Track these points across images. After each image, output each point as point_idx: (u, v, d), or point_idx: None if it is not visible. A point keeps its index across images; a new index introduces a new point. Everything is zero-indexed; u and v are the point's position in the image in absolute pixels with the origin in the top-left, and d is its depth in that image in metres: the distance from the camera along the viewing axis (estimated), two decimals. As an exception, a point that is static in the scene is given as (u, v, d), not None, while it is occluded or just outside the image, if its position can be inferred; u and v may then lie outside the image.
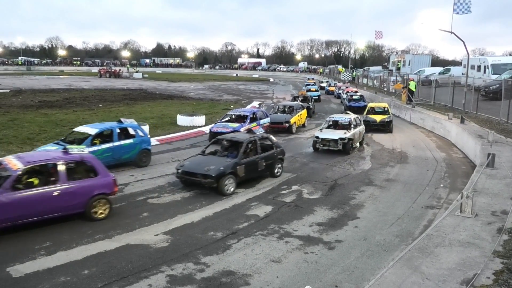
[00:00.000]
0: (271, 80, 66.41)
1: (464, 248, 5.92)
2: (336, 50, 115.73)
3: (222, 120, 18.15)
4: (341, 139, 14.91)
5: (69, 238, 7.55)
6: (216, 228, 8.20)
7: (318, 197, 10.33)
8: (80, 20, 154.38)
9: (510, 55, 58.79)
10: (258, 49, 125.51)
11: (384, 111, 20.74)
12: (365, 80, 48.62)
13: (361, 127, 16.59)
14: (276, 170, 11.90)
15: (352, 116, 16.70)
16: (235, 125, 16.88)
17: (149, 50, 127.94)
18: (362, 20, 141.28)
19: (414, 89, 26.78)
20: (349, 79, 54.66)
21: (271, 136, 12.58)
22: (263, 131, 13.39)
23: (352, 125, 15.78)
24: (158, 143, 16.17)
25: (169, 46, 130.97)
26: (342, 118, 16.53)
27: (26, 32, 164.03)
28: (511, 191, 8.69)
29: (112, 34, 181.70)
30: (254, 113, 18.37)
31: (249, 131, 12.69)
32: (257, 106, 28.23)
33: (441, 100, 24.89)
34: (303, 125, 21.25)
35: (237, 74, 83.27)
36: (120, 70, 66.35)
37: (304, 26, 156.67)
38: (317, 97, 34.08)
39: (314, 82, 48.86)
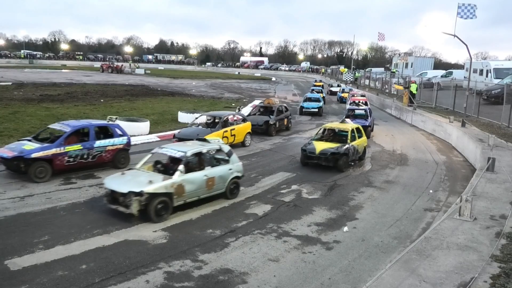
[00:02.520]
0: (273, 79, 66.43)
1: (462, 251, 5.93)
2: (338, 51, 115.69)
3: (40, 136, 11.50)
4: (136, 194, 7.95)
5: (67, 232, 7.56)
6: (214, 226, 8.20)
7: (317, 197, 10.33)
8: (84, 14, 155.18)
9: (513, 59, 58.67)
10: (260, 48, 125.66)
11: (342, 138, 13.79)
12: (367, 82, 48.58)
13: (224, 168, 9.76)
14: None
15: (195, 148, 9.50)
16: (34, 146, 10.55)
17: (152, 46, 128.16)
18: (366, 21, 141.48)
19: (415, 92, 26.76)
20: (351, 79, 54.53)
21: None
22: None
23: (182, 165, 8.75)
24: (158, 139, 16.19)
25: (172, 43, 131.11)
26: (173, 150, 9.35)
27: (29, 26, 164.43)
28: (510, 195, 8.69)
29: (116, 30, 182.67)
30: (82, 129, 11.42)
31: None
32: (258, 105, 27.89)
33: (443, 103, 24.89)
34: (242, 144, 15.90)
35: (239, 72, 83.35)
36: (122, 65, 66.31)
37: (309, 26, 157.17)
38: (316, 110, 25.70)
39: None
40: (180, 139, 13.74)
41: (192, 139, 12.85)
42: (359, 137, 14.17)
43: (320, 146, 13.14)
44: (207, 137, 10.83)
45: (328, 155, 12.78)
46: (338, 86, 41.79)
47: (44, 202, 9.01)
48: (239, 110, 18.93)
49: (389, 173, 13.03)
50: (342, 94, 33.92)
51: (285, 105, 21.62)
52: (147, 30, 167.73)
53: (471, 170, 13.18)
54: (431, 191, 11.12)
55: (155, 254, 6.92)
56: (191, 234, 7.81)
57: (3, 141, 14.08)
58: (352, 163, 13.68)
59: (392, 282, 5.00)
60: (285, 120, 19.95)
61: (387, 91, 37.67)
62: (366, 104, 23.93)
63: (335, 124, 15.06)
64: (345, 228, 8.30)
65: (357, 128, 14.39)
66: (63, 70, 62.56)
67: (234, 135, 15.38)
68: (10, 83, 34.36)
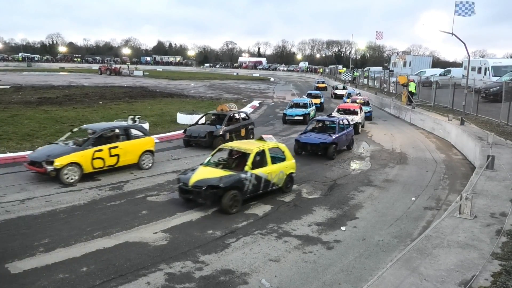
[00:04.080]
0: (272, 79, 66.41)
1: (462, 249, 5.93)
2: (337, 50, 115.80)
3: None
4: None
5: (67, 235, 7.55)
6: (215, 227, 8.20)
7: (317, 197, 10.33)
8: (82, 16, 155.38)
9: (510, 57, 58.80)
10: (259, 48, 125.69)
11: (240, 163, 10.00)
12: (365, 81, 48.62)
13: None
14: None
15: None
16: None
17: (150, 47, 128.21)
18: (364, 20, 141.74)
19: (414, 90, 26.80)
20: (350, 79, 54.55)
21: None
22: None
23: None
24: (158, 141, 16.12)
25: (170, 44, 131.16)
26: None
27: (27, 28, 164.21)
28: (510, 193, 8.69)
29: (114, 32, 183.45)
30: None
31: None
32: (257, 105, 27.84)
33: (441, 101, 24.90)
34: (139, 166, 12.10)
35: (237, 73, 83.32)
36: (120, 67, 66.31)
37: (307, 26, 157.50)
38: (301, 118, 21.52)
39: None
40: (31, 162, 10.61)
41: (40, 163, 10.32)
42: (278, 161, 10.51)
43: (200, 175, 9.16)
44: None
45: (204, 189, 8.78)
46: (344, 88, 37.15)
47: (44, 205, 9.00)
48: (135, 122, 13.43)
49: (388, 172, 13.03)
50: (347, 100, 26.26)
51: (245, 112, 18.59)
52: (145, 32, 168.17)
53: (471, 168, 13.19)
54: (423, 189, 11.09)
55: (156, 255, 6.91)
56: (191, 235, 7.80)
57: (2, 144, 14.09)
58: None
59: (393, 281, 5.00)
60: (243, 130, 16.31)
61: (385, 90, 37.69)
62: (353, 113, 19.99)
63: (236, 143, 10.91)
64: (343, 228, 8.33)
65: (275, 149, 10.64)
66: (61, 73, 62.55)
67: (116, 155, 11.31)
68: (8, 86, 34.32)
